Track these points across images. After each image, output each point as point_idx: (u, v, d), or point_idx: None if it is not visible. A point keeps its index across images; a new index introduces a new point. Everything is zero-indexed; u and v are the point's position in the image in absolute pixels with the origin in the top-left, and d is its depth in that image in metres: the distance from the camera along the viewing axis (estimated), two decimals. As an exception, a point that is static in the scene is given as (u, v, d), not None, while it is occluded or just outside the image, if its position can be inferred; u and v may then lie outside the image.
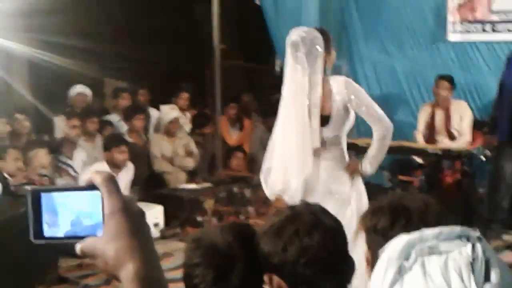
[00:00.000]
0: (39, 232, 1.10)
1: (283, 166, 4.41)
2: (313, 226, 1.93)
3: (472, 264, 1.12)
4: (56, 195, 1.09)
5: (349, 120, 4.35)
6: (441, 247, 1.15)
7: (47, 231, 1.10)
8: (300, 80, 4.24)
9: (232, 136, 9.03)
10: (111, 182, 1.07)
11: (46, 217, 1.09)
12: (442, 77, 7.41)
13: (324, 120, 4.31)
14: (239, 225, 2.20)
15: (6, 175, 6.16)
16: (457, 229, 1.18)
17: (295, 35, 4.28)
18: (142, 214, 1.10)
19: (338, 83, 4.28)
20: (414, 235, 1.18)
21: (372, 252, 1.92)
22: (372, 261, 1.92)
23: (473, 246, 1.14)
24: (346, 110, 4.28)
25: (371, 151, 4.37)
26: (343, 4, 8.76)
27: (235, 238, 2.01)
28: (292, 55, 4.24)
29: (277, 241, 1.92)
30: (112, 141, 6.76)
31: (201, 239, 2.06)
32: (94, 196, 1.07)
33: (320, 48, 4.25)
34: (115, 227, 1.05)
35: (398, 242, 1.18)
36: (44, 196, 1.09)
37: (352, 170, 4.40)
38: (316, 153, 4.36)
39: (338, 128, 4.32)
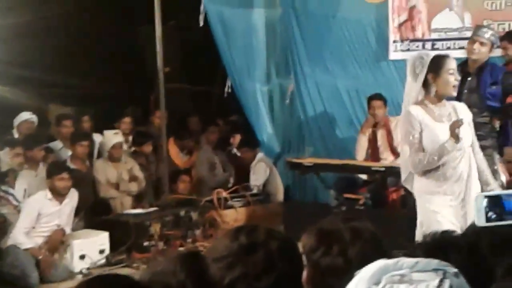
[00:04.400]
0: None
1: None
2: (264, 270, 1.79)
3: None
4: None
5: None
6: (413, 277, 1.15)
7: None
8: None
9: (183, 159, 9.00)
10: None
11: None
12: (372, 98, 7.53)
13: None
14: (192, 257, 2.06)
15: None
16: (434, 262, 1.19)
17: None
18: None
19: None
20: (390, 261, 1.19)
21: (309, 271, 1.93)
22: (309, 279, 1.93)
23: (441, 281, 1.14)
24: None
25: None
26: (288, 28, 8.84)
27: (188, 276, 1.92)
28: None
29: (226, 276, 1.81)
30: (54, 169, 6.70)
31: (152, 282, 1.94)
32: None
33: (421, 67, 4.64)
34: None
35: (373, 266, 1.19)
36: None
37: None
38: None
39: None
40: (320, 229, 2.05)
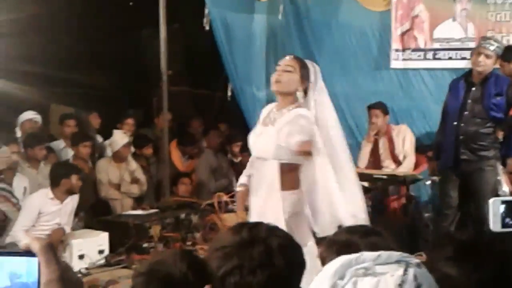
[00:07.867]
0: None
1: None
2: (260, 265, 1.80)
3: (401, 286, 1.14)
4: None
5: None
6: (377, 270, 1.17)
7: None
8: None
9: (184, 164, 8.99)
10: (49, 250, 1.07)
11: None
12: (371, 106, 7.49)
13: None
14: (190, 253, 2.13)
15: None
16: (396, 253, 1.20)
17: None
18: (80, 284, 1.13)
19: None
20: (352, 256, 1.21)
21: None
22: None
23: (406, 270, 1.16)
24: None
25: None
26: (288, 35, 8.86)
27: (189, 268, 1.97)
28: None
29: (222, 266, 1.84)
30: (70, 169, 6.70)
31: (153, 271, 1.98)
32: (31, 262, 1.06)
33: None
34: None
35: (336, 262, 1.20)
36: None
37: None
38: None
39: None
40: (341, 243, 2.08)
